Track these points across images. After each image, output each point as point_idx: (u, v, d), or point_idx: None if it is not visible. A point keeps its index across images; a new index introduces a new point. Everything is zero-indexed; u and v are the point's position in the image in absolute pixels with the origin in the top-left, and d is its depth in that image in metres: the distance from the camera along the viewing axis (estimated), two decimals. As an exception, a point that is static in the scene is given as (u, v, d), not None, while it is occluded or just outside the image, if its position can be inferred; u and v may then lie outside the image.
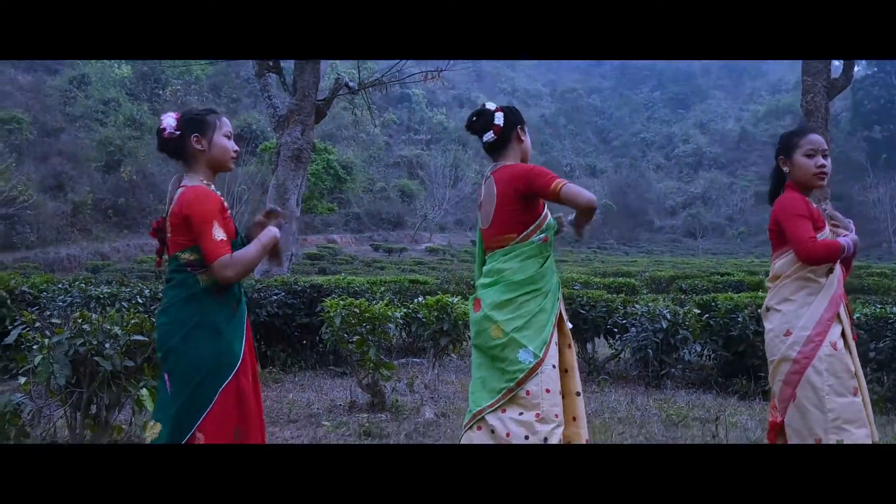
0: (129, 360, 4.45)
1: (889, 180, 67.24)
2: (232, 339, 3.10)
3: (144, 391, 4.59)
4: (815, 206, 3.65)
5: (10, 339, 4.45)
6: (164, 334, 3.09)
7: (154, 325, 4.60)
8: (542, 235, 3.57)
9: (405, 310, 6.54)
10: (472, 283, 15.67)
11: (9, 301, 7.49)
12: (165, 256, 3.25)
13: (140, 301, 7.17)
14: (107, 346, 4.33)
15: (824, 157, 3.63)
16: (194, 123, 3.30)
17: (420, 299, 6.64)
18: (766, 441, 3.77)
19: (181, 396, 3.00)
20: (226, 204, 3.22)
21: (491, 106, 3.74)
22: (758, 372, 7.72)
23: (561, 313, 3.61)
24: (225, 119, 3.38)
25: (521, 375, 3.34)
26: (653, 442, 5.55)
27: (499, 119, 3.66)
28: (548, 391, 3.37)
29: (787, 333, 3.53)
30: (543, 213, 3.60)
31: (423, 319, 6.32)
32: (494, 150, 3.74)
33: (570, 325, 3.74)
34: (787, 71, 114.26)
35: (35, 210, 38.29)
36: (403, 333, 7.82)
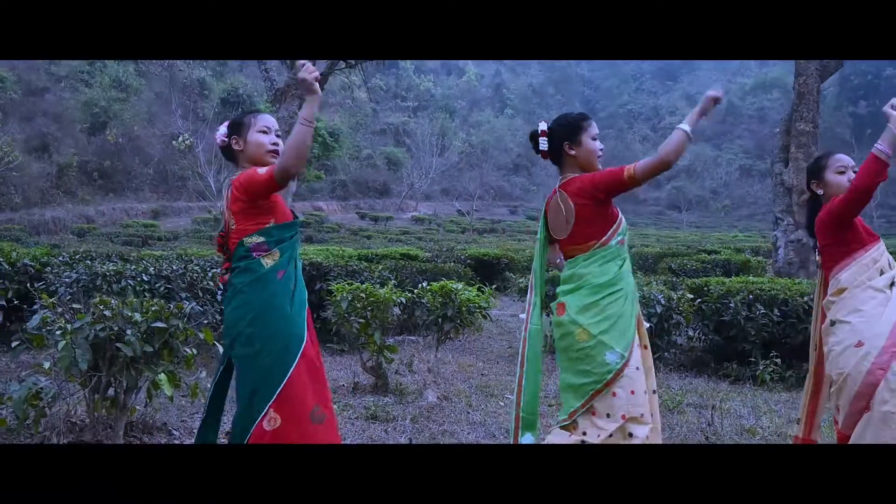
0: (148, 346, 4.56)
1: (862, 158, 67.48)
2: (296, 318, 3.32)
3: (162, 375, 4.70)
4: None
5: (32, 324, 4.52)
6: (234, 320, 3.31)
7: (171, 312, 4.75)
8: (620, 238, 3.68)
9: (409, 294, 6.65)
10: (462, 257, 15.83)
11: (12, 274, 7.57)
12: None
13: (146, 279, 7.24)
14: (128, 332, 4.43)
15: (854, 171, 3.78)
16: (233, 127, 3.61)
17: (424, 284, 6.75)
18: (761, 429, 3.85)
19: (251, 379, 3.23)
20: None
21: (540, 127, 3.84)
22: (748, 357, 7.93)
23: (639, 314, 3.72)
24: (263, 116, 3.62)
25: (609, 377, 3.45)
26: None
27: (543, 144, 3.79)
28: (632, 392, 3.47)
29: (859, 345, 3.57)
30: (619, 217, 3.71)
31: (428, 305, 6.44)
32: (556, 165, 3.87)
33: (647, 325, 3.86)
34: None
35: (20, 172, 37.99)
36: (405, 315, 7.93)
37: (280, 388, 3.17)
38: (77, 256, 8.77)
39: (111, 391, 4.74)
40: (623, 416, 3.44)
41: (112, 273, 7.16)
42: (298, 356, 3.24)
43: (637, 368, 3.51)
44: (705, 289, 8.94)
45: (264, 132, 3.53)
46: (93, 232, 32.91)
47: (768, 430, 5.70)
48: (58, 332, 4.40)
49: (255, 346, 3.22)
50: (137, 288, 7.01)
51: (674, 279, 10.86)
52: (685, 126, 3.46)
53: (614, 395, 3.45)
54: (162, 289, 7.23)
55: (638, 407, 3.45)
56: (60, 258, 8.50)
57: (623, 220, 3.73)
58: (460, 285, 6.48)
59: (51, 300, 4.80)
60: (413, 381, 6.61)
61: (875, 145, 3.60)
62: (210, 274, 7.72)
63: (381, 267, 9.27)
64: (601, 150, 3.77)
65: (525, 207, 74.26)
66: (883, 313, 3.61)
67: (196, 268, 7.82)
